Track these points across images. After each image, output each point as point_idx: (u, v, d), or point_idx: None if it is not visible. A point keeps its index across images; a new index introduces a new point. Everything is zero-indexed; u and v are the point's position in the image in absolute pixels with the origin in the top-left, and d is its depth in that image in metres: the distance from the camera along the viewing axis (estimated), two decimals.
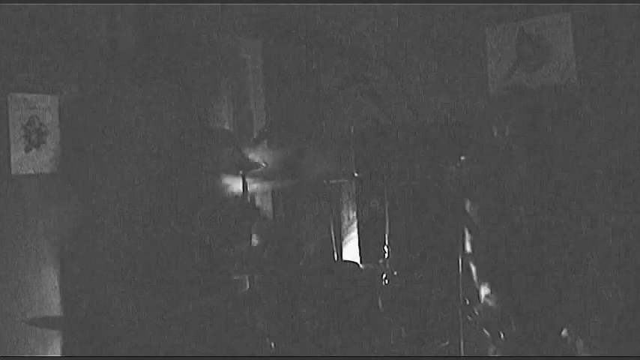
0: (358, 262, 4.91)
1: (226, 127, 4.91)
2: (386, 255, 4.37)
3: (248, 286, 4.08)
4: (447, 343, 4.32)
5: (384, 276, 4.30)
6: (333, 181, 4.79)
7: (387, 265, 4.35)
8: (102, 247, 1.96)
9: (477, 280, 4.06)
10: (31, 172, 4.43)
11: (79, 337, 2.06)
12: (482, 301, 4.03)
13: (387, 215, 4.41)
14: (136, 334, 1.93)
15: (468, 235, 4.03)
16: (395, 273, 4.33)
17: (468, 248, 4.07)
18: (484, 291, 4.02)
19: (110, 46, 2.03)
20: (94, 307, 1.99)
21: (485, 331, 4.00)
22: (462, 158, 3.87)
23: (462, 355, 3.94)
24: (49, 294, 4.32)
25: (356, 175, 4.75)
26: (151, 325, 1.93)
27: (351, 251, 5.27)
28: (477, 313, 4.05)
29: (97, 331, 1.98)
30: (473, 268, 4.07)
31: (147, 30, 2.08)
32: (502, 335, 3.96)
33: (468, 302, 4.08)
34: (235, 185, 4.02)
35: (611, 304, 3.94)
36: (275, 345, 3.97)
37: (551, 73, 4.82)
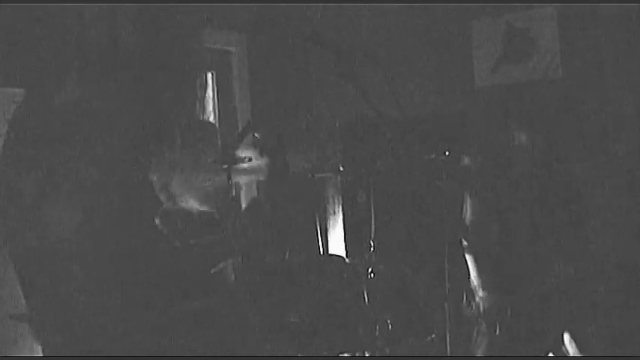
0: (344, 256, 4.92)
1: (211, 120, 4.89)
2: (372, 249, 4.37)
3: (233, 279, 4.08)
4: (433, 336, 4.33)
5: (370, 270, 4.30)
6: (319, 175, 4.79)
7: (373, 259, 4.35)
8: (90, 245, 1.96)
9: (475, 274, 4.08)
10: None
11: (65, 334, 2.06)
12: (480, 294, 4.05)
13: (372, 209, 4.41)
14: (129, 335, 1.94)
15: (464, 228, 4.05)
16: (381, 267, 4.33)
17: (465, 241, 4.09)
18: (481, 285, 4.04)
19: (110, 45, 2.03)
20: (89, 307, 1.99)
21: (483, 323, 4.02)
22: (447, 153, 3.87)
23: (448, 348, 3.95)
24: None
25: (341, 169, 4.75)
26: (144, 326, 1.93)
27: (336, 245, 5.28)
28: (474, 305, 4.07)
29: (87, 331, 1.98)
30: (470, 262, 4.10)
31: (146, 28, 2.08)
32: (498, 328, 3.98)
33: (465, 295, 4.10)
34: (220, 179, 4.01)
35: (611, 303, 3.96)
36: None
37: (537, 66, 4.82)
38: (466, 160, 4.19)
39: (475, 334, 4.10)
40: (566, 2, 4.68)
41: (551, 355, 3.99)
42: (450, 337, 3.89)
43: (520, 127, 4.04)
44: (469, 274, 4.11)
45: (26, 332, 4.22)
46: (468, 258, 4.10)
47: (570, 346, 3.84)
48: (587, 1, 4.57)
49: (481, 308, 4.05)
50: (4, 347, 4.16)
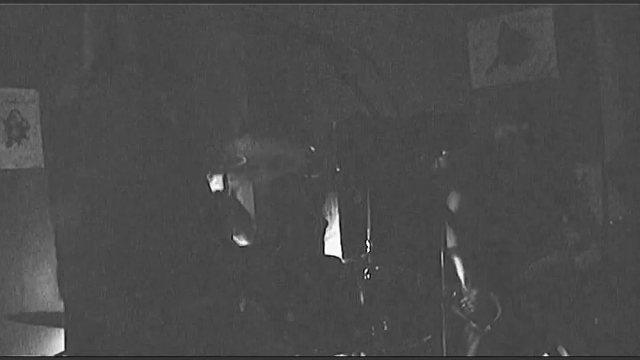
0: (340, 256, 4.91)
1: (207, 122, 4.89)
2: (368, 249, 4.37)
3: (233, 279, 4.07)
4: (429, 337, 4.33)
5: (366, 270, 4.30)
6: (315, 176, 4.78)
7: (369, 260, 4.34)
8: (96, 245, 1.96)
9: (463, 274, 4.08)
10: (13, 166, 4.41)
11: (77, 335, 2.06)
12: (469, 293, 4.05)
13: (368, 209, 4.40)
14: (134, 334, 1.93)
15: (450, 229, 4.05)
16: (377, 268, 4.32)
17: (453, 242, 4.09)
18: (470, 284, 4.04)
19: (110, 46, 2.03)
20: (90, 306, 1.98)
21: (472, 323, 4.02)
22: (444, 153, 3.87)
23: (444, 349, 3.95)
24: (39, 290, 4.32)
25: (338, 169, 4.75)
26: (148, 325, 1.93)
27: (333, 246, 5.27)
28: (464, 305, 4.07)
29: (95, 331, 1.97)
30: (457, 262, 4.09)
31: (147, 29, 2.08)
32: (489, 327, 3.98)
33: (454, 294, 4.10)
34: (216, 181, 4.01)
35: (610, 303, 3.96)
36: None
37: (533, 67, 4.83)
38: (442, 163, 4.19)
39: (466, 335, 4.10)
40: (563, 2, 4.69)
41: (546, 355, 4.00)
42: (446, 337, 3.89)
43: (517, 128, 4.04)
44: (458, 274, 4.12)
45: (26, 332, 4.22)
46: (460, 258, 4.10)
47: (563, 348, 3.85)
48: (585, 1, 4.58)
49: (471, 308, 4.05)
50: (3, 347, 4.15)
